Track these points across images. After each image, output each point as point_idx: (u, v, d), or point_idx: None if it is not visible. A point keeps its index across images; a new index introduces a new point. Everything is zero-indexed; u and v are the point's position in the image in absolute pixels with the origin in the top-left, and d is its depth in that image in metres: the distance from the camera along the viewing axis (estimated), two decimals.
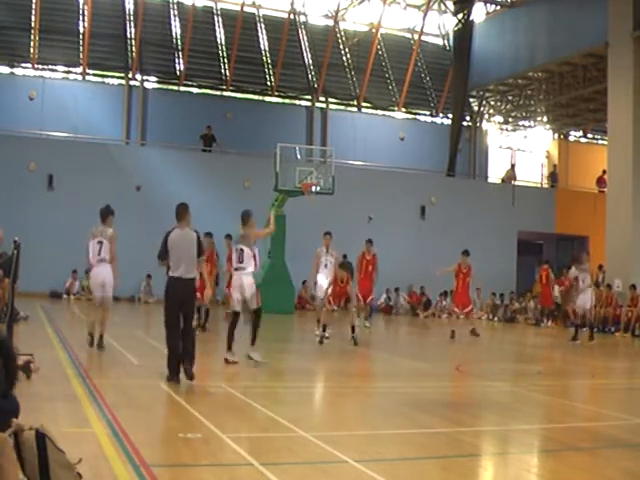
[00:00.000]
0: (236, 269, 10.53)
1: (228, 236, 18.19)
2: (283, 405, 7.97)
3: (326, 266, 15.28)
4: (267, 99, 31.54)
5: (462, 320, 17.93)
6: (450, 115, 32.25)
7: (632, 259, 23.26)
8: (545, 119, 34.68)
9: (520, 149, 35.74)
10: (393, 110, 32.98)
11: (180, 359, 8.65)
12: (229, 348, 10.37)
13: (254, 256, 10.54)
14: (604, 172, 28.34)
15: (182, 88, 30.03)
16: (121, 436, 5.72)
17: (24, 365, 4.45)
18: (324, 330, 14.01)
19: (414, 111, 33.64)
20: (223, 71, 30.66)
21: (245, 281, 10.42)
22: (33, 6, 28.53)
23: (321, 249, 15.63)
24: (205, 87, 30.71)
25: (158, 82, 30.06)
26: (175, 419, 6.63)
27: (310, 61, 32.15)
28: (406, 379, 10.49)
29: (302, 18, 32.64)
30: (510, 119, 34.48)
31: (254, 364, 10.26)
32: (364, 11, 32.83)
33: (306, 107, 31.54)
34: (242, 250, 10.50)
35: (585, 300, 17.16)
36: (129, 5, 30.16)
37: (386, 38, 33.48)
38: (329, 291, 14.41)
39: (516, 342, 19.15)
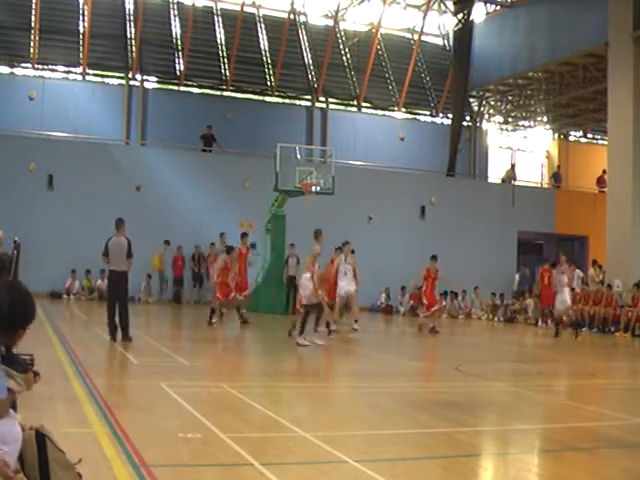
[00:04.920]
0: None
1: (244, 234, 18.69)
2: (283, 405, 7.97)
3: (345, 274, 16.69)
4: (267, 99, 31.54)
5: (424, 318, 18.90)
6: (450, 115, 32.24)
7: (632, 259, 23.24)
8: (545, 119, 34.67)
9: (520, 149, 35.74)
10: (393, 110, 32.98)
11: (116, 325, 12.19)
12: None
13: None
14: (604, 172, 28.33)
15: (182, 88, 30.02)
16: (121, 436, 5.72)
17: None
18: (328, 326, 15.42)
19: (414, 111, 33.64)
20: (223, 71, 30.66)
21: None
22: (33, 6, 28.52)
23: (340, 257, 16.84)
24: (205, 87, 30.71)
25: (158, 82, 30.06)
26: (175, 419, 6.62)
27: (310, 61, 32.15)
28: (406, 379, 10.49)
29: (302, 18, 32.64)
30: (510, 119, 34.47)
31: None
32: (364, 11, 32.83)
33: (306, 107, 31.54)
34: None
35: (562, 300, 18.29)
36: (129, 5, 30.15)
37: (386, 38, 33.48)
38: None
39: (516, 342, 19.15)
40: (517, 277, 29.14)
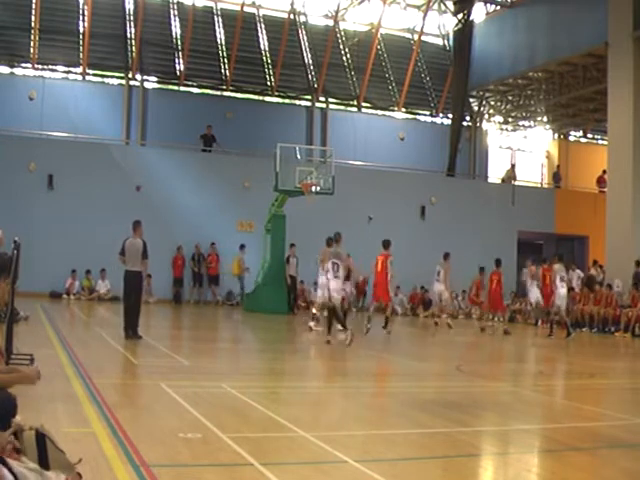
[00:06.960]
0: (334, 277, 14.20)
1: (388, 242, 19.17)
2: (283, 405, 7.97)
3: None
4: (267, 99, 31.54)
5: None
6: (450, 115, 32.25)
7: (632, 259, 23.22)
8: (545, 119, 34.68)
9: (520, 149, 35.75)
10: (393, 110, 32.98)
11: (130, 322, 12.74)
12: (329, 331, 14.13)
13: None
14: (604, 172, 28.33)
15: (182, 88, 30.03)
16: (121, 436, 5.72)
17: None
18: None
19: (414, 111, 33.65)
20: (223, 71, 30.66)
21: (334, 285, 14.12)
22: (33, 6, 28.52)
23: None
24: (205, 87, 30.71)
25: (158, 82, 30.06)
26: (175, 419, 6.62)
27: (310, 61, 32.15)
28: (406, 379, 10.49)
29: (302, 18, 32.64)
30: (510, 119, 34.48)
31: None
32: (364, 11, 32.84)
33: (306, 107, 31.54)
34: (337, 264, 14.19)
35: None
36: (129, 5, 30.16)
37: (386, 38, 33.48)
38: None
39: (516, 342, 19.14)
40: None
